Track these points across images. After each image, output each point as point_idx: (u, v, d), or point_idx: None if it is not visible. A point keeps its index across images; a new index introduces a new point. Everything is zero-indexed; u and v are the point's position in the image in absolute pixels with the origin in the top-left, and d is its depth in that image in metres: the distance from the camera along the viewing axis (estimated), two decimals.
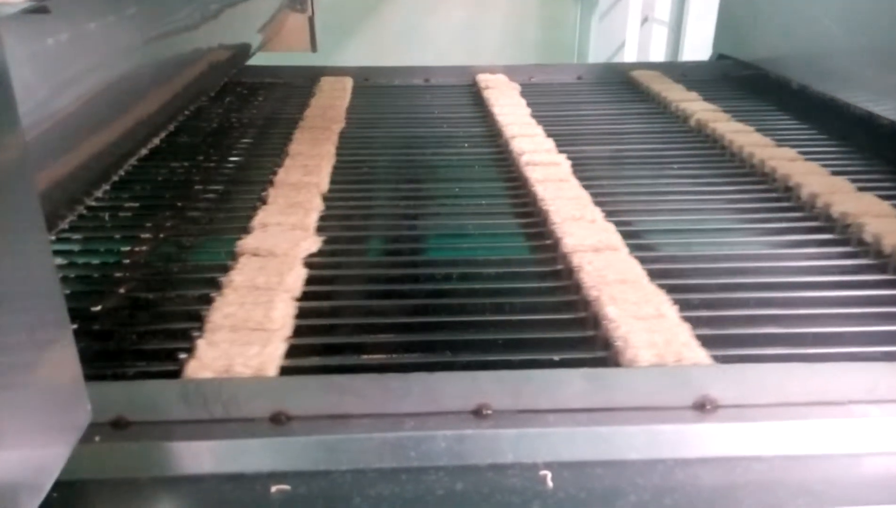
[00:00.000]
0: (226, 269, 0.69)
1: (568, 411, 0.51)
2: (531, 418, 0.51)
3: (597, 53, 3.37)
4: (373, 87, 1.60)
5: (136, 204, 0.92)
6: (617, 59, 3.24)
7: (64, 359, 0.38)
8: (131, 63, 0.79)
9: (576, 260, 0.71)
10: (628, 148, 1.16)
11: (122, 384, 0.53)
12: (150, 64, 0.85)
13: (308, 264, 0.72)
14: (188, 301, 0.68)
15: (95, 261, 0.78)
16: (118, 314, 0.66)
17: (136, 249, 0.79)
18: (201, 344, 0.56)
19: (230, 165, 1.09)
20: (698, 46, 2.52)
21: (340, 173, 1.02)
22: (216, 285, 0.67)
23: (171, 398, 0.49)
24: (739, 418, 0.51)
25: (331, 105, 1.35)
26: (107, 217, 0.88)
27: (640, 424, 0.50)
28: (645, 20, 3.29)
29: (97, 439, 0.48)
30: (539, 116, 1.25)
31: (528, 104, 1.35)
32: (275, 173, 0.96)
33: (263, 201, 0.87)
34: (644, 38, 3.30)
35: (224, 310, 0.61)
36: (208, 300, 0.64)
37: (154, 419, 0.49)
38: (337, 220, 0.87)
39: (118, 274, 0.74)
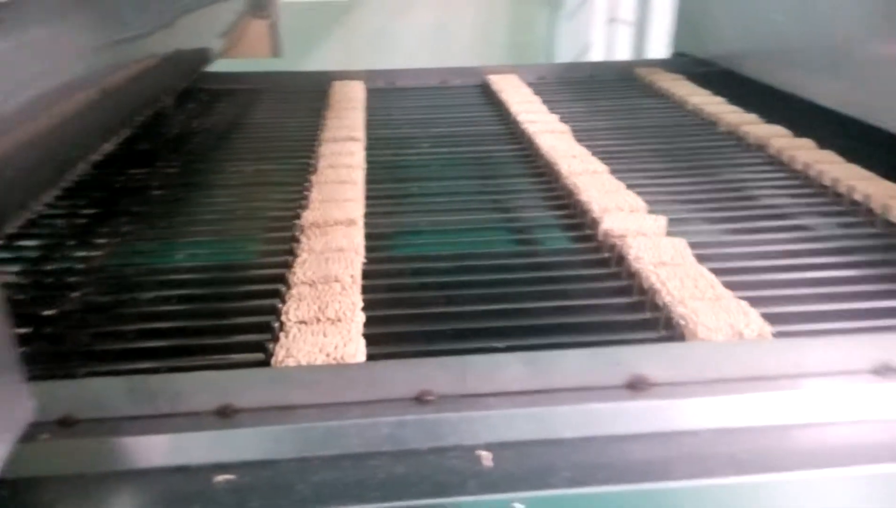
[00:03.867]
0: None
1: (507, 394, 0.53)
2: (472, 402, 0.53)
3: (564, 54, 3.41)
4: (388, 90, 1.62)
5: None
6: (583, 59, 3.28)
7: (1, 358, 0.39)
8: (80, 68, 0.80)
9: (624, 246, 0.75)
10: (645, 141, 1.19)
11: (69, 383, 0.54)
12: (99, 69, 0.86)
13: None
14: (140, 304, 0.69)
15: (50, 267, 0.79)
16: (72, 318, 0.67)
17: (92, 254, 0.80)
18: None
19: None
20: (661, 45, 2.57)
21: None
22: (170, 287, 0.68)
23: (118, 395, 0.51)
24: (669, 395, 0.53)
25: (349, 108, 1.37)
26: (61, 223, 0.89)
27: (575, 404, 0.52)
28: (611, 20, 3.34)
29: (45, 437, 0.49)
30: (560, 114, 1.27)
31: (544, 102, 1.36)
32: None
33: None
34: (609, 39, 3.35)
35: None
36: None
37: (101, 416, 0.51)
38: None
39: (72, 279, 0.75)
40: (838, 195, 0.92)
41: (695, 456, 0.50)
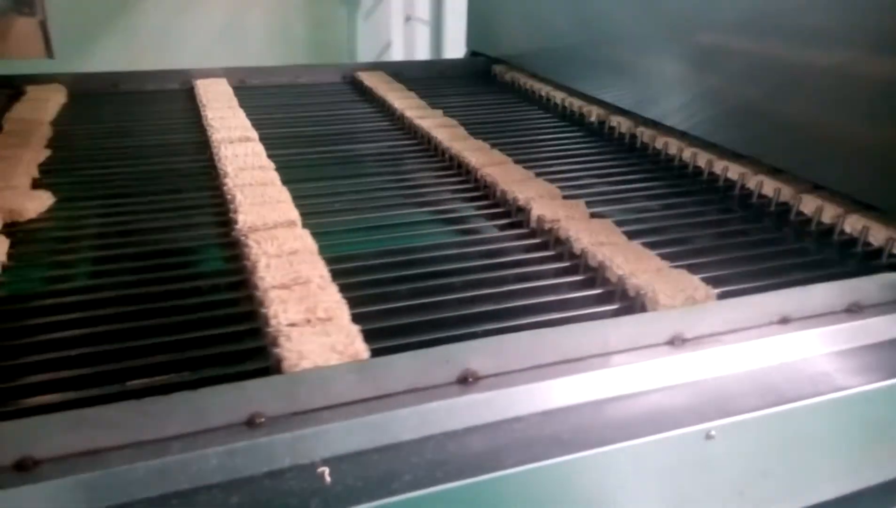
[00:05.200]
0: None
1: (341, 405, 0.52)
2: (305, 418, 0.51)
3: (365, 52, 3.42)
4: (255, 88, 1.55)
5: None
6: (385, 58, 3.31)
7: None
8: None
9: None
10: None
11: None
12: None
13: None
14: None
15: None
16: None
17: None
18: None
19: None
20: (458, 44, 2.66)
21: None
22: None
23: None
24: (498, 385, 0.55)
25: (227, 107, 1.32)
26: None
27: (410, 406, 0.52)
28: (408, 19, 3.40)
29: None
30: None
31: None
32: None
33: None
34: (409, 37, 3.42)
35: None
36: None
37: None
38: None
39: None
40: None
41: (524, 442, 0.53)
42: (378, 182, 1.07)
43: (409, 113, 1.34)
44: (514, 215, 0.93)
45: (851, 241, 0.85)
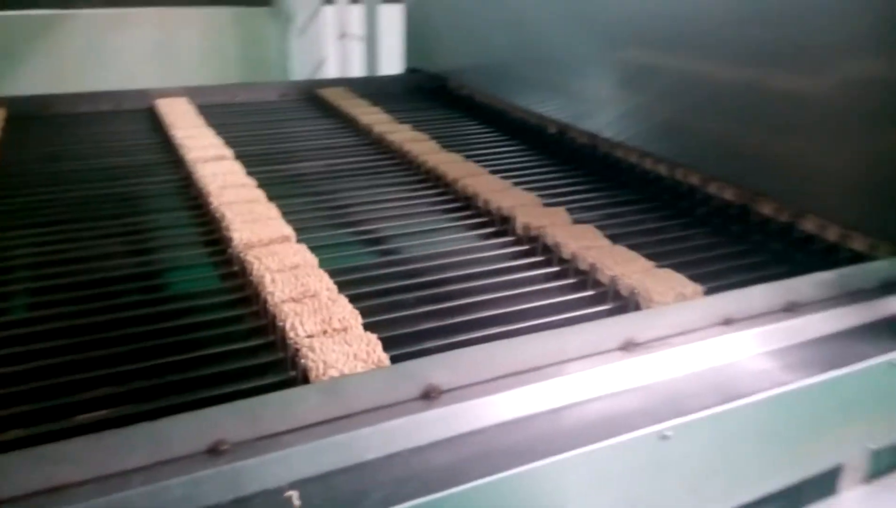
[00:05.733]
0: None
1: (306, 427, 0.52)
2: (270, 443, 0.51)
3: (300, 70, 3.40)
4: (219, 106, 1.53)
5: None
6: (320, 75, 3.30)
7: None
8: None
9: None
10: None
11: None
12: None
13: None
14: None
15: None
16: None
17: None
18: None
19: None
20: (394, 60, 2.68)
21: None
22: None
23: None
24: (460, 398, 0.56)
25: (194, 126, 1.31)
26: None
27: (374, 424, 0.53)
28: (342, 35, 3.40)
29: None
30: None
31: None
32: None
33: None
34: (344, 54, 3.42)
35: None
36: None
37: None
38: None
39: None
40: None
41: (486, 453, 0.53)
42: (361, 196, 1.07)
43: (378, 128, 1.35)
44: (497, 224, 0.95)
45: (806, 239, 0.90)
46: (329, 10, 3.36)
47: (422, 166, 1.17)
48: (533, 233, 0.89)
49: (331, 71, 3.37)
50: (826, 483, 0.74)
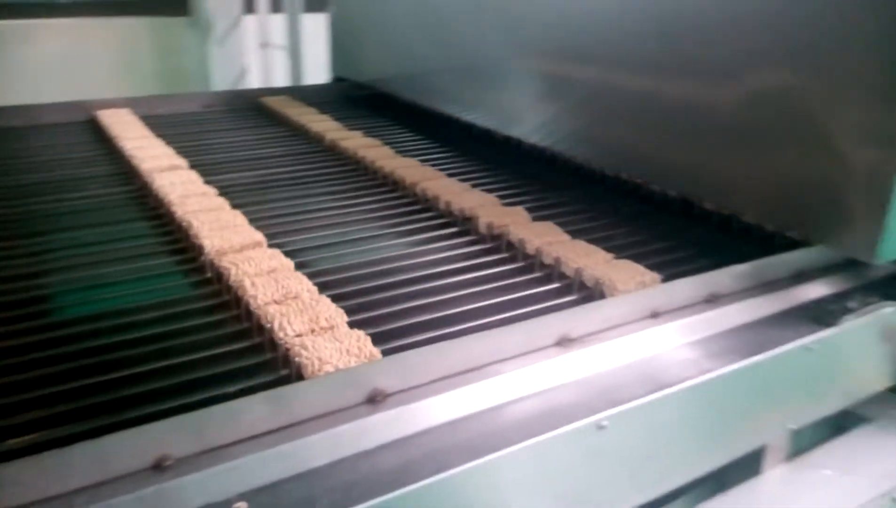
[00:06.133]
0: None
1: (252, 438, 0.52)
2: (216, 455, 0.50)
3: (221, 80, 3.33)
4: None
5: None
6: (242, 86, 3.25)
7: None
8: None
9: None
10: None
11: None
12: None
13: None
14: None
15: None
16: None
17: None
18: None
19: None
20: (319, 69, 2.66)
21: None
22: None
23: None
24: (405, 401, 0.57)
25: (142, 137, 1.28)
26: None
27: (321, 431, 0.53)
28: (264, 45, 3.36)
29: None
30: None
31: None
32: None
33: None
34: (266, 63, 3.37)
35: None
36: None
37: None
38: None
39: None
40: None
41: (433, 453, 0.55)
42: (324, 201, 1.08)
43: (331, 135, 1.37)
44: (460, 224, 0.98)
45: (748, 228, 0.94)
46: (250, 20, 3.31)
47: (379, 172, 1.19)
48: (496, 231, 0.93)
49: (253, 81, 3.32)
50: (751, 463, 0.79)
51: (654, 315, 0.71)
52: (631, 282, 0.76)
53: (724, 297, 0.75)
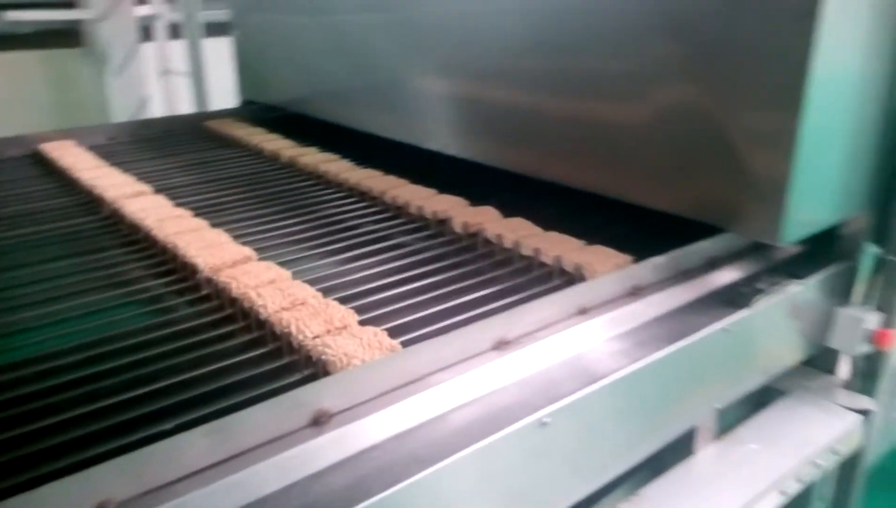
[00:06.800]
0: None
1: (196, 473, 0.51)
2: (160, 495, 0.49)
3: (121, 111, 3.22)
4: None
5: None
6: (145, 115, 3.14)
7: None
8: None
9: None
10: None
11: None
12: None
13: None
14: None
15: None
16: None
17: None
18: None
19: None
20: (226, 94, 2.61)
21: None
22: None
23: None
24: (350, 419, 0.57)
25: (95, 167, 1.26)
26: None
27: (268, 458, 0.52)
28: (165, 72, 3.27)
29: None
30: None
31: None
32: None
33: None
34: (169, 91, 3.28)
35: None
36: None
37: None
38: None
39: None
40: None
41: (383, 467, 0.55)
42: (299, 214, 1.08)
43: (287, 152, 1.38)
44: (433, 226, 1.01)
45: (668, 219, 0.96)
46: (148, 48, 3.22)
47: (344, 184, 1.21)
48: (472, 230, 0.96)
49: (156, 110, 3.22)
50: (684, 445, 0.83)
51: (583, 312, 0.74)
52: (608, 263, 0.81)
53: (646, 288, 0.79)
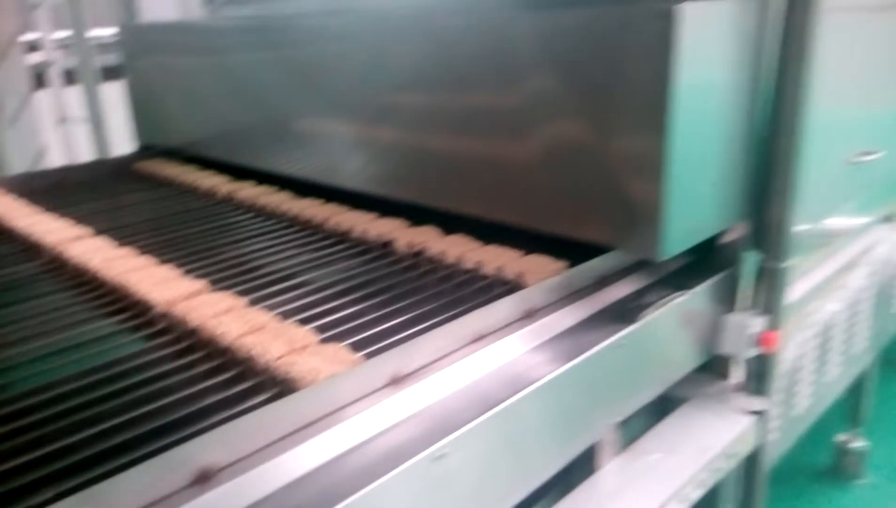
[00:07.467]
0: None
1: None
2: None
3: (19, 162, 3.07)
4: None
5: None
6: (43, 165, 3.01)
7: None
8: None
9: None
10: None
11: None
12: None
13: None
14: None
15: None
16: None
17: None
18: None
19: None
20: (126, 140, 2.53)
21: None
22: None
23: None
24: (239, 472, 0.55)
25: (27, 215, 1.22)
26: None
27: None
28: (62, 120, 3.15)
29: None
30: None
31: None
32: None
33: None
34: (68, 138, 3.16)
35: None
36: None
37: None
38: None
39: None
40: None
41: None
42: (244, 246, 1.10)
43: (224, 188, 1.39)
44: (377, 249, 1.05)
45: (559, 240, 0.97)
46: (43, 95, 3.09)
47: (285, 214, 1.22)
48: (416, 249, 1.00)
49: (55, 158, 3.09)
50: (588, 461, 0.84)
51: (479, 338, 0.75)
52: (546, 270, 0.87)
53: (539, 310, 0.80)
